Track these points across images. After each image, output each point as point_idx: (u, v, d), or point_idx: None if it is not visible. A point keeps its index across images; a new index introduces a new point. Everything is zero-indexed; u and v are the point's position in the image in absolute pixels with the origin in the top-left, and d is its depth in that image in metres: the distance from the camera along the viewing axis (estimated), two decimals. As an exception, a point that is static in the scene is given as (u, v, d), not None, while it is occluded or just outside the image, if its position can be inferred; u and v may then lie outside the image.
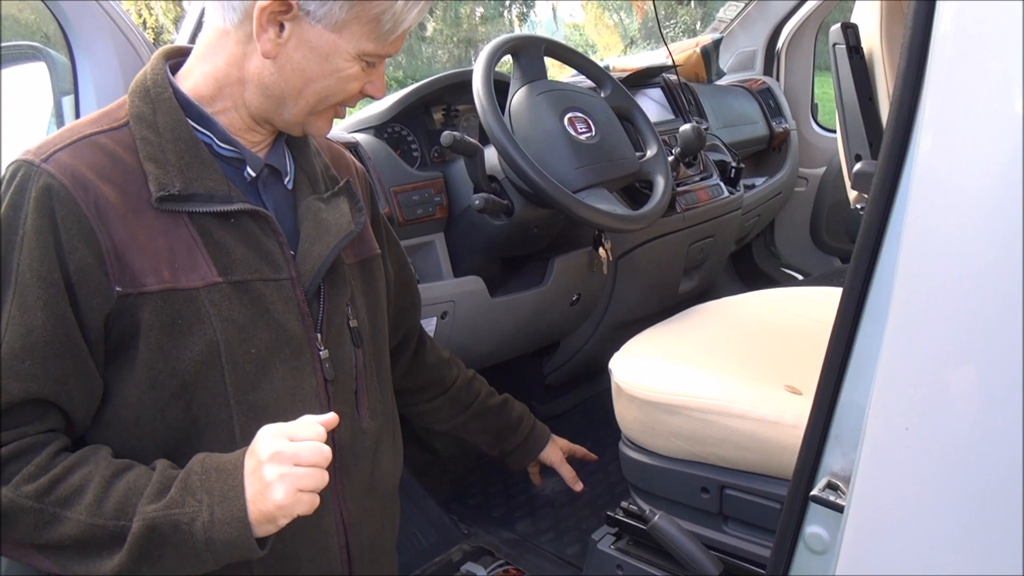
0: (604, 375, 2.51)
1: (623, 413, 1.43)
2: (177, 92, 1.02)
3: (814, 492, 0.88)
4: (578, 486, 1.60)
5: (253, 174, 1.06)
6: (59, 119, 1.60)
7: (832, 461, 0.90)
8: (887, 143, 0.81)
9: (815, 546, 0.93)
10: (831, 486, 0.89)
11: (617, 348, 1.56)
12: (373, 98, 1.09)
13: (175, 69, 1.06)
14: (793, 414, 1.21)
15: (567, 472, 1.60)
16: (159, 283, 0.95)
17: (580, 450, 1.64)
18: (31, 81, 1.71)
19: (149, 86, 1.01)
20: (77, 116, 1.44)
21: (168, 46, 1.07)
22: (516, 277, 1.97)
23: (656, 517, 1.27)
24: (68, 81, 1.55)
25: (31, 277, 0.91)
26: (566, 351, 2.28)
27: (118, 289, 0.93)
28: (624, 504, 1.50)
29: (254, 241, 1.02)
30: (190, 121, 1.01)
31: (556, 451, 1.60)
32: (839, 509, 0.84)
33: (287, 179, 1.11)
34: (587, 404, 2.45)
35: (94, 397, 0.98)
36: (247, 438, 1.00)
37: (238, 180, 1.05)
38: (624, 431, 1.45)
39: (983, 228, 0.70)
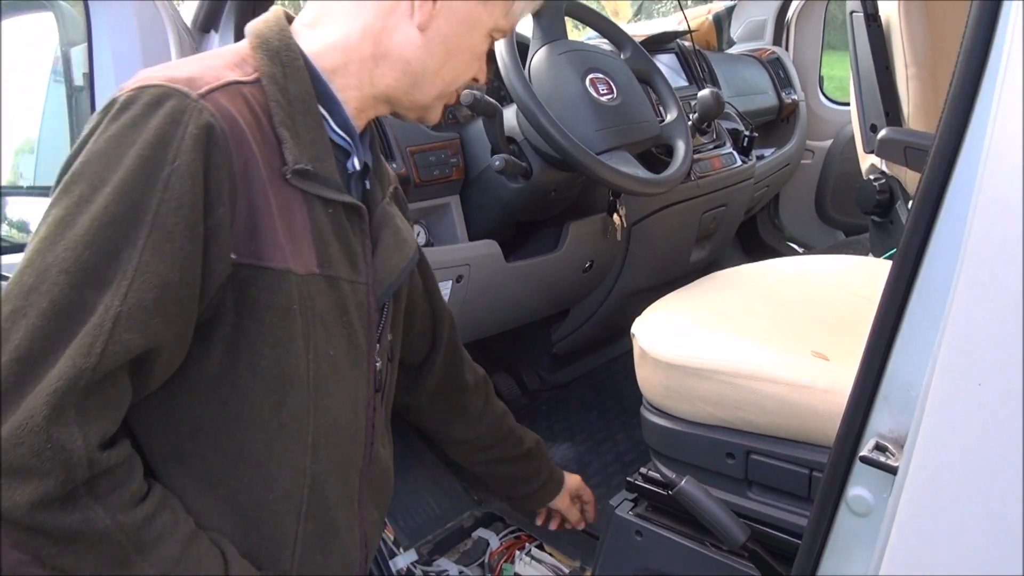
0: (613, 344, 2.51)
1: (646, 378, 1.41)
2: (307, 62, 0.93)
3: (863, 453, 0.87)
4: (581, 525, 1.59)
5: (358, 167, 0.99)
6: (67, 71, 1.56)
7: (879, 422, 0.88)
8: (949, 111, 0.79)
9: (858, 508, 0.91)
10: (879, 447, 0.88)
11: (627, 317, 1.54)
12: (476, 82, 1.05)
13: None
14: (826, 379, 1.20)
15: (573, 516, 1.58)
16: (282, 262, 0.86)
17: (587, 495, 1.60)
18: (35, 31, 1.67)
19: (279, 46, 0.91)
20: (91, 67, 1.39)
21: (280, 7, 0.99)
22: (529, 242, 1.95)
23: (683, 482, 1.26)
24: (77, 31, 1.50)
25: (175, 223, 0.79)
26: (576, 319, 2.27)
27: (233, 256, 0.84)
28: (643, 470, 1.49)
29: (344, 237, 0.95)
30: None
31: (565, 499, 1.56)
32: (891, 470, 0.83)
33: (366, 179, 1.05)
34: (595, 373, 2.45)
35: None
36: (317, 448, 0.95)
37: (340, 171, 0.97)
38: (647, 396, 1.44)
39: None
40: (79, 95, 1.48)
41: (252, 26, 0.94)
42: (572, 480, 1.58)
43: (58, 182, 0.82)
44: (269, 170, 0.87)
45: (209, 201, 0.82)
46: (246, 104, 0.86)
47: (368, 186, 1.04)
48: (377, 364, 1.03)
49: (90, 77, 1.39)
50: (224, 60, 0.90)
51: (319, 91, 0.93)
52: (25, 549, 0.77)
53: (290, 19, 0.97)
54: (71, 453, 0.75)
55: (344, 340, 0.95)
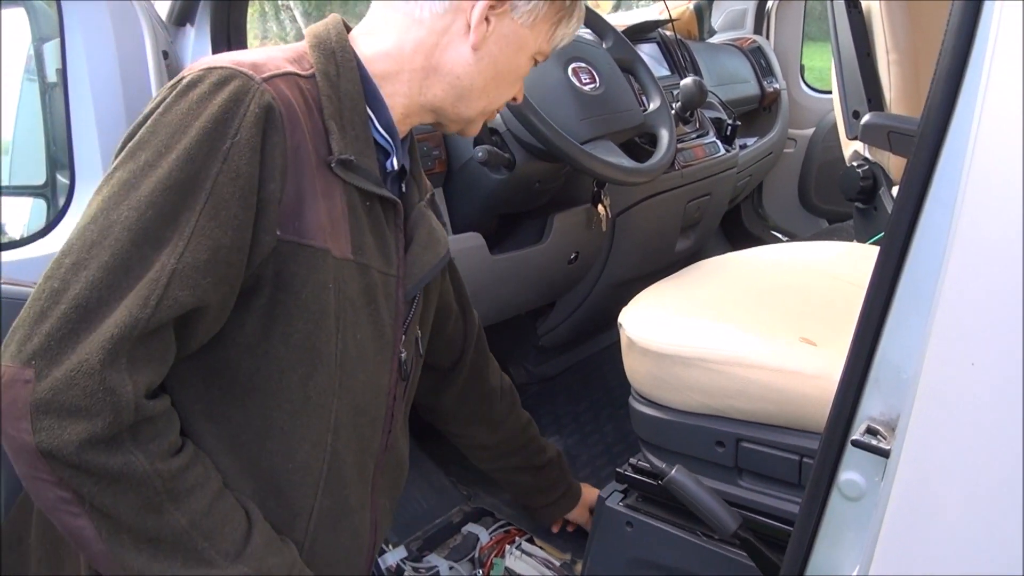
0: (600, 336, 2.50)
1: (634, 367, 1.40)
2: (360, 65, 1.00)
3: (855, 437, 0.86)
4: None
5: (396, 167, 1.05)
6: (40, 68, 1.53)
7: (870, 406, 0.88)
8: (935, 92, 0.78)
9: (850, 493, 0.91)
10: (870, 431, 0.87)
11: (614, 308, 1.54)
12: (515, 102, 1.15)
13: None
14: (815, 365, 1.20)
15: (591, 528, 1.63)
16: (322, 242, 0.93)
17: None
18: (6, 29, 1.63)
19: (335, 47, 0.99)
20: (63, 62, 1.37)
21: (338, 15, 1.05)
22: (514, 234, 1.94)
23: (673, 471, 1.25)
24: (50, 27, 1.47)
25: (232, 193, 0.86)
26: (562, 311, 2.25)
27: (278, 233, 0.90)
28: (633, 460, 1.49)
29: (379, 229, 1.01)
30: None
31: (583, 512, 1.63)
32: (883, 453, 0.83)
33: (403, 181, 1.11)
34: (582, 365, 2.43)
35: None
36: (339, 427, 1.00)
37: (379, 169, 1.03)
38: (635, 386, 1.43)
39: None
40: (52, 92, 1.46)
41: (312, 29, 1.02)
42: (591, 494, 1.63)
43: (121, 149, 0.90)
44: (316, 156, 0.93)
45: (263, 176, 0.88)
46: (301, 94, 0.94)
47: (405, 188, 1.11)
48: (402, 355, 1.08)
49: (63, 73, 1.37)
50: (284, 54, 0.97)
51: (368, 93, 1.00)
52: (68, 487, 0.82)
53: (348, 28, 1.05)
54: (120, 397, 0.81)
55: (371, 327, 1.01)
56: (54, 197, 1.52)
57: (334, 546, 1.05)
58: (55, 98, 1.45)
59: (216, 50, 1.50)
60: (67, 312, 0.81)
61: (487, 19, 1.00)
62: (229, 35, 1.52)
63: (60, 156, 1.47)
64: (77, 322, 0.81)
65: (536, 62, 1.09)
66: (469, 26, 1.00)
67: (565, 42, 1.10)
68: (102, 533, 0.85)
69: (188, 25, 1.51)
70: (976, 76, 0.75)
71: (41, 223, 1.48)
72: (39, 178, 1.54)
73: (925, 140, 0.79)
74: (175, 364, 0.91)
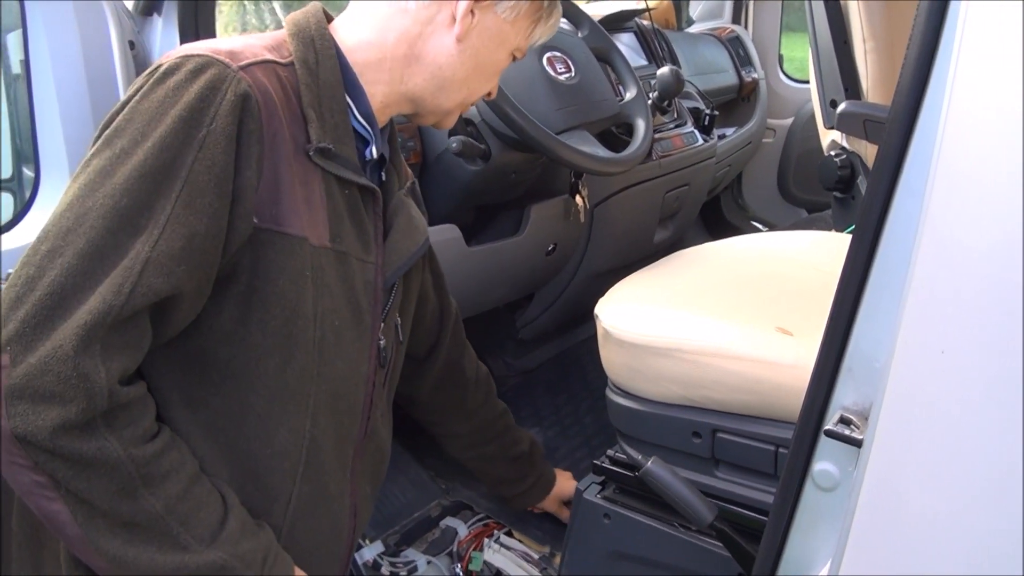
0: (578, 328, 2.50)
1: (611, 359, 1.39)
2: (339, 54, 1.01)
3: (828, 427, 0.86)
4: None
5: (375, 156, 1.05)
6: (3, 59, 1.49)
7: (843, 395, 0.87)
8: (904, 84, 0.78)
9: (824, 483, 0.90)
10: (844, 420, 0.87)
11: (592, 300, 1.53)
12: (489, 97, 1.17)
13: None
14: (791, 355, 1.19)
15: (564, 516, 1.65)
16: (300, 230, 0.93)
17: None
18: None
19: (314, 36, 0.99)
20: (26, 53, 1.34)
21: (319, 3, 1.06)
22: (491, 226, 1.92)
23: (649, 462, 1.25)
24: (11, 17, 1.44)
25: (208, 181, 0.86)
26: (540, 303, 2.24)
27: (255, 220, 0.90)
28: (610, 452, 1.48)
29: (358, 217, 1.02)
30: None
31: (553, 502, 1.64)
32: (856, 443, 0.82)
33: (382, 170, 1.12)
34: (561, 357, 2.42)
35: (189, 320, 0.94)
36: (316, 413, 1.00)
37: (358, 157, 1.04)
38: (611, 377, 1.42)
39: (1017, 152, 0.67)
40: (16, 84, 1.43)
41: (291, 17, 1.02)
42: (565, 486, 1.64)
43: (98, 136, 0.90)
44: (294, 144, 0.94)
45: (239, 164, 0.88)
46: (279, 82, 0.94)
47: (384, 177, 1.11)
48: (381, 342, 1.09)
49: (26, 64, 1.34)
50: (263, 42, 0.98)
51: (347, 81, 1.01)
52: (43, 471, 0.83)
53: (330, 18, 1.06)
54: (94, 383, 0.81)
55: (349, 314, 1.02)
56: (20, 190, 1.49)
57: (313, 531, 1.06)
58: (19, 90, 1.42)
59: (184, 40, 1.47)
60: (42, 298, 0.81)
61: (472, 12, 1.02)
62: (197, 25, 1.50)
63: (26, 149, 1.44)
64: (51, 308, 0.81)
65: (514, 58, 1.11)
66: (453, 17, 1.02)
67: (542, 40, 1.12)
68: (77, 517, 0.85)
69: (155, 15, 1.48)
70: (945, 63, 0.74)
71: (8, 217, 1.45)
72: (5, 172, 1.51)
73: (895, 128, 0.78)
74: (152, 351, 0.91)
